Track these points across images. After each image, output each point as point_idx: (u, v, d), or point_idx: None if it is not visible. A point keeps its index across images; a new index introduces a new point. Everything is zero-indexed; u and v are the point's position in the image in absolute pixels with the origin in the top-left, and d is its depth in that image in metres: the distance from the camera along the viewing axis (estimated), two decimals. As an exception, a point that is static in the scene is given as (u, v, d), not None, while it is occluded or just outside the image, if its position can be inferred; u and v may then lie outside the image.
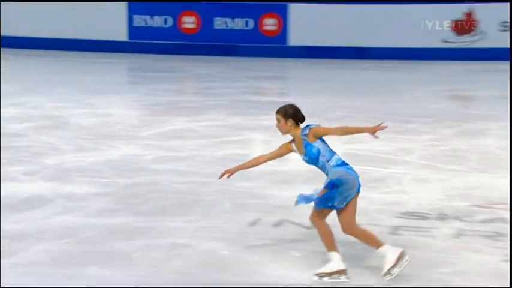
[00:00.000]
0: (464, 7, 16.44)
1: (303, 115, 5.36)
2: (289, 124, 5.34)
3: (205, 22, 17.42)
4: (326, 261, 5.14)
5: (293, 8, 17.09)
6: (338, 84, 14.18)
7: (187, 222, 6.26)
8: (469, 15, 16.43)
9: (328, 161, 5.20)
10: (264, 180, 7.43)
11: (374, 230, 5.98)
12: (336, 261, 5.12)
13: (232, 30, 17.30)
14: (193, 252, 5.64)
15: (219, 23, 17.38)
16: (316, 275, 5.12)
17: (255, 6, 17.33)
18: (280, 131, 5.41)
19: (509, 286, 4.84)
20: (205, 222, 6.28)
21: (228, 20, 17.34)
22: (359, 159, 8.27)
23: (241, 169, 5.52)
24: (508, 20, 16.13)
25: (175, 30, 17.53)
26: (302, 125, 5.35)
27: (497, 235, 5.83)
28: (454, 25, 16.47)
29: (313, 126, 5.30)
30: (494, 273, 5.19)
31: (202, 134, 9.61)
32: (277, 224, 6.22)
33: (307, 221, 6.24)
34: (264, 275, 5.24)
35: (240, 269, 5.34)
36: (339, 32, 16.66)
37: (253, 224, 6.22)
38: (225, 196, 6.93)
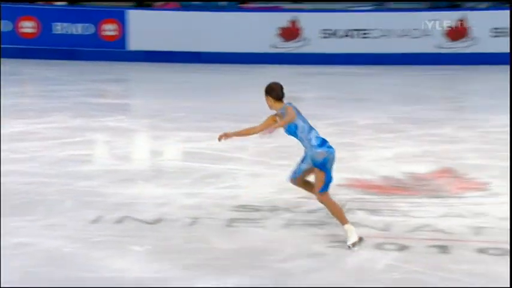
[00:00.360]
0: (289, 15, 16.98)
1: (282, 92, 5.66)
2: (269, 101, 5.67)
3: (45, 27, 16.91)
4: (346, 233, 5.49)
5: (131, 14, 16.96)
6: (177, 86, 14.23)
7: (31, 222, 6.09)
8: (293, 22, 16.98)
9: (307, 138, 5.59)
10: (105, 179, 7.36)
11: (211, 224, 6.11)
12: (354, 231, 5.50)
13: (72, 35, 16.91)
14: (37, 250, 5.50)
15: (59, 27, 16.93)
16: (349, 246, 5.46)
17: (94, 12, 17.03)
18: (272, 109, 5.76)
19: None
20: (49, 221, 6.13)
21: (68, 25, 16.93)
22: (197, 157, 8.37)
23: (237, 136, 5.89)
24: (330, 28, 16.80)
25: (14, 35, 16.89)
26: (286, 101, 5.69)
27: (320, 223, 6.09)
28: (281, 32, 16.95)
29: (288, 105, 5.63)
30: (318, 257, 5.42)
31: (45, 136, 9.35)
32: (119, 220, 6.19)
33: (147, 217, 6.26)
34: (108, 269, 5.21)
35: (84, 265, 5.27)
36: (177, 37, 16.70)
37: (95, 221, 6.15)
38: (67, 195, 6.80)
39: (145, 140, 10.00)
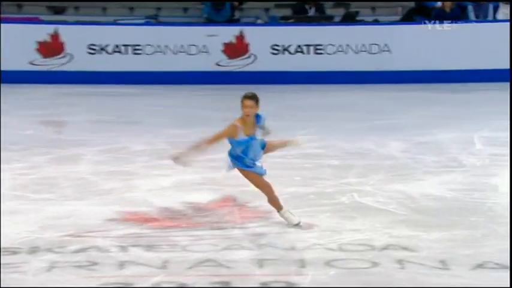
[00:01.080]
0: (50, 28, 16.64)
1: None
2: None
3: None
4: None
5: None
6: None
7: None
8: (55, 36, 16.65)
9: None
10: None
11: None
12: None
13: None
14: None
15: None
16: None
17: None
18: (249, 115, 6.56)
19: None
20: None
21: None
22: None
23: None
24: (98, 43, 16.68)
25: None
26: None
27: (90, 264, 5.94)
28: (40, 47, 16.55)
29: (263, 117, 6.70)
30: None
31: None
32: None
33: None
34: None
35: None
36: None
37: None
38: None
39: None
